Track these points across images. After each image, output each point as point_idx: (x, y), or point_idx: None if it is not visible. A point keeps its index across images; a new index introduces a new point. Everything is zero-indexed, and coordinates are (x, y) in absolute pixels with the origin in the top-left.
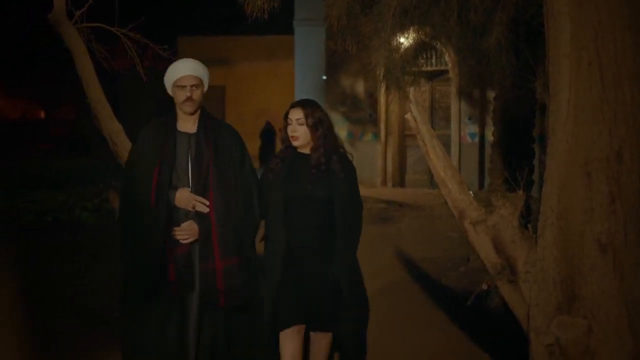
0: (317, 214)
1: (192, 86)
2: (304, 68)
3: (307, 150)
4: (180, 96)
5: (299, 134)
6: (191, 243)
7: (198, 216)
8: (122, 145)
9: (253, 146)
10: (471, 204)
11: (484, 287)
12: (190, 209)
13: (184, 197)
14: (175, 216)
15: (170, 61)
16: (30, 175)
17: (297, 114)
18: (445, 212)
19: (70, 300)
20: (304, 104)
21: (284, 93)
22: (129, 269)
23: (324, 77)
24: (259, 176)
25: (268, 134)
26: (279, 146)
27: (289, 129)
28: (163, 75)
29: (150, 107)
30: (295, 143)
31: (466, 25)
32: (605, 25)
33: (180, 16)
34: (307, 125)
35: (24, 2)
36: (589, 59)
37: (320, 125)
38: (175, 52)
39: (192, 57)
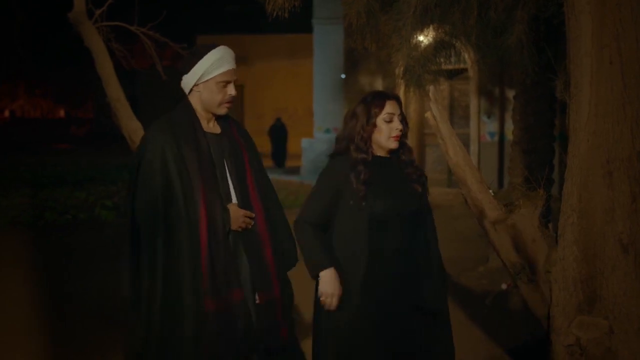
0: (407, 234)
1: (234, 82)
2: (323, 66)
3: (383, 153)
4: (220, 95)
5: (401, 131)
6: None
7: (246, 237)
8: None
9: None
10: (491, 203)
11: (504, 287)
12: (240, 229)
13: (238, 216)
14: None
15: None
16: (50, 174)
17: (397, 108)
18: (464, 211)
19: (87, 299)
20: (396, 97)
21: (302, 92)
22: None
23: (343, 76)
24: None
25: (279, 132)
26: (292, 144)
27: (390, 126)
28: (182, 74)
29: (169, 106)
30: (394, 145)
31: (486, 24)
32: (627, 23)
33: (199, 15)
34: (403, 122)
35: (44, 1)
36: (610, 57)
37: (406, 122)
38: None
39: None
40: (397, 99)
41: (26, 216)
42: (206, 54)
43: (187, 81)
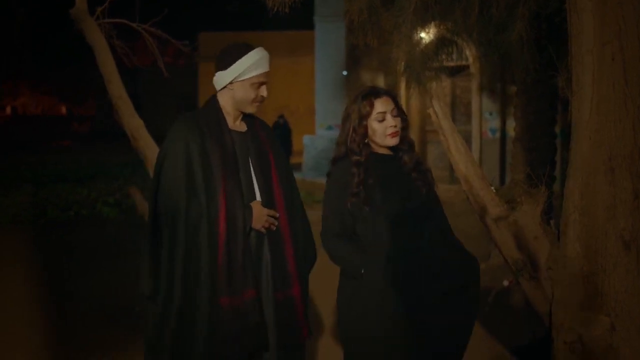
0: (415, 229)
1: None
2: (324, 63)
3: (386, 151)
4: (253, 94)
5: (399, 127)
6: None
7: (269, 236)
8: (144, 140)
9: None
10: (493, 200)
11: (505, 284)
12: (263, 229)
13: (262, 215)
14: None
15: (190, 57)
16: (51, 172)
17: (390, 104)
18: (466, 208)
19: (88, 297)
20: (388, 92)
21: (304, 89)
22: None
23: (345, 73)
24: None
25: (282, 130)
26: (294, 141)
27: (384, 125)
28: (184, 71)
29: (170, 103)
30: (393, 142)
31: (488, 21)
32: (629, 20)
33: (201, 12)
34: (400, 116)
35: (44, 1)
36: (612, 54)
37: (405, 116)
38: (197, 48)
39: (214, 54)
40: (389, 94)
41: (27, 214)
42: (247, 53)
43: (222, 78)
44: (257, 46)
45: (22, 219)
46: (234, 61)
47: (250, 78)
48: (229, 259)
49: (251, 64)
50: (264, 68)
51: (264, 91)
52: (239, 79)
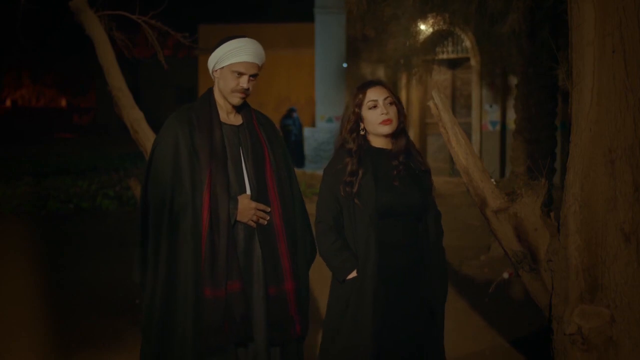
0: (411, 228)
1: (251, 76)
2: (324, 56)
3: (383, 145)
4: (233, 84)
5: (392, 115)
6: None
7: (261, 230)
8: (144, 133)
9: None
10: (493, 192)
11: (505, 275)
12: (252, 223)
13: (249, 208)
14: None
15: (190, 49)
16: (52, 166)
17: (382, 93)
18: (466, 200)
19: (88, 288)
20: (382, 82)
21: (305, 81)
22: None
23: (345, 65)
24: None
25: (295, 125)
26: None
27: (376, 113)
28: (184, 64)
29: (171, 95)
30: (386, 130)
31: (486, 13)
32: (630, 11)
33: (201, 4)
34: (396, 104)
35: None
36: (613, 46)
37: (402, 107)
38: (197, 40)
39: (213, 45)
40: (382, 84)
41: (28, 206)
42: (227, 41)
43: (208, 66)
44: (247, 37)
45: (22, 211)
46: (216, 49)
47: (228, 65)
48: (212, 251)
49: (228, 51)
50: (242, 57)
51: (244, 82)
52: (218, 67)
